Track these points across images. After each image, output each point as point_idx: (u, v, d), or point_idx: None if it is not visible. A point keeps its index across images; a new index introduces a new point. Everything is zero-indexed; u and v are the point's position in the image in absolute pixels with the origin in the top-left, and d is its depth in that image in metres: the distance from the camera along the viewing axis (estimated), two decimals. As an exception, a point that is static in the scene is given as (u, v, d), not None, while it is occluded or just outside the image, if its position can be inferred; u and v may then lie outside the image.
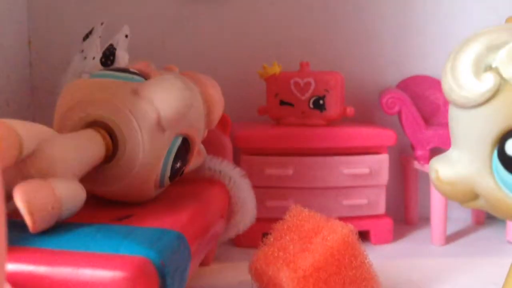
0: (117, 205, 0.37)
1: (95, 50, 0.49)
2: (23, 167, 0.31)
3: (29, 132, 0.31)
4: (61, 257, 0.28)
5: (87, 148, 0.33)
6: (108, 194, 0.37)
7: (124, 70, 0.39)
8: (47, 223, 0.30)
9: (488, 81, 0.28)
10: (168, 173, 0.37)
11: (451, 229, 0.58)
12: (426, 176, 0.57)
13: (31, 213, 0.28)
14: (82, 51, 0.51)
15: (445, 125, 0.55)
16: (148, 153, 0.35)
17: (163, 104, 0.35)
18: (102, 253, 0.28)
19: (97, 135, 0.35)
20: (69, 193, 0.31)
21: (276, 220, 0.39)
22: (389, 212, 0.55)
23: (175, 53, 0.61)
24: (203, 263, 0.46)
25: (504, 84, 0.28)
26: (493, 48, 0.29)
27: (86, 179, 0.34)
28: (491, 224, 0.61)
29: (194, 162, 0.43)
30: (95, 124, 0.35)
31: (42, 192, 0.29)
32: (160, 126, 0.35)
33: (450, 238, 0.56)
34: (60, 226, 0.31)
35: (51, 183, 0.30)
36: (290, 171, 0.52)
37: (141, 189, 0.37)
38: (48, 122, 0.36)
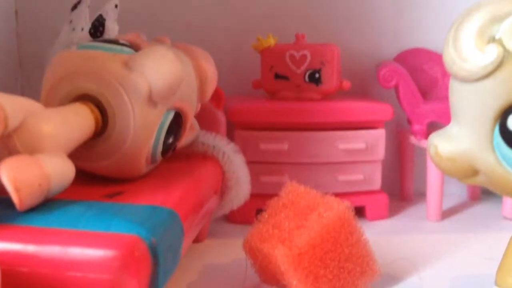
0: (108, 181, 0.36)
1: (84, 20, 0.48)
2: (9, 143, 0.30)
3: (14, 105, 0.30)
4: (50, 236, 0.27)
5: (76, 122, 0.32)
6: (98, 170, 0.36)
7: (114, 42, 0.38)
8: (35, 200, 0.29)
9: (491, 53, 0.27)
10: (160, 148, 0.36)
11: (447, 204, 0.58)
12: (422, 152, 0.57)
13: (18, 190, 0.27)
14: (71, 21, 0.49)
15: (443, 99, 0.54)
16: (139, 128, 0.34)
17: (155, 77, 0.33)
18: (92, 231, 0.27)
19: (86, 109, 0.33)
20: (58, 170, 0.30)
21: (271, 196, 0.38)
22: (384, 187, 0.55)
23: (166, 24, 0.59)
24: (197, 240, 0.45)
25: (507, 57, 0.27)
26: (497, 19, 0.28)
27: (76, 155, 0.33)
28: (487, 200, 0.61)
29: (186, 137, 0.42)
30: (84, 98, 0.34)
31: (30, 168, 0.28)
32: (151, 99, 0.34)
33: (446, 214, 0.56)
34: (49, 204, 0.30)
35: (38, 159, 0.29)
36: (285, 146, 0.51)
37: (132, 165, 0.36)
38: (36, 96, 0.35)
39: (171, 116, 0.36)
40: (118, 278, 0.26)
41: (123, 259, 0.26)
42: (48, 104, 0.35)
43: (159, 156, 0.37)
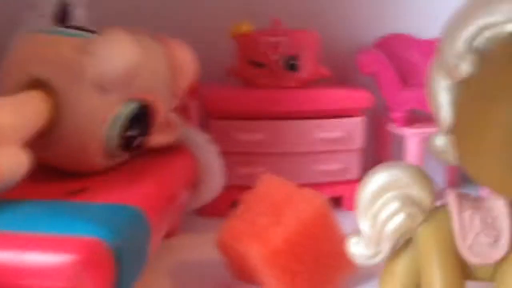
0: (71, 178, 0.34)
1: (48, 7, 0.45)
2: None
3: None
4: (3, 240, 0.25)
5: (29, 111, 0.31)
6: (51, 160, 0.34)
7: (80, 28, 0.36)
8: None
9: None
10: (116, 141, 0.34)
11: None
12: (400, 139, 0.56)
13: None
14: (35, 7, 0.47)
15: (422, 86, 0.53)
16: (85, 115, 0.32)
17: (105, 61, 0.31)
18: (49, 234, 0.25)
19: (40, 96, 0.32)
20: (11, 161, 0.28)
21: (247, 187, 0.37)
22: (362, 176, 0.54)
23: (136, 9, 0.57)
24: (168, 234, 0.43)
25: None
26: None
27: (30, 143, 0.31)
28: (465, 187, 0.60)
29: (166, 135, 0.40)
30: (37, 83, 0.32)
31: None
32: (102, 86, 0.32)
33: (425, 203, 0.55)
34: (4, 204, 0.28)
35: None
36: (261, 136, 0.50)
37: (83, 155, 0.34)
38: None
39: (132, 107, 0.34)
40: (77, 286, 0.24)
41: (83, 264, 0.24)
42: (4, 89, 0.33)
43: (116, 150, 0.35)
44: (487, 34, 0.25)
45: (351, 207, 0.53)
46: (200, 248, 0.42)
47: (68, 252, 0.24)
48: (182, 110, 0.44)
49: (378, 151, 0.60)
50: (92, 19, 0.45)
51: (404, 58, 0.57)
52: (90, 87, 0.32)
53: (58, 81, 0.32)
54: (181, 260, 0.41)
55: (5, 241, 0.25)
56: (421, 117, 0.55)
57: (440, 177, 0.61)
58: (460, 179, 0.61)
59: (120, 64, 0.32)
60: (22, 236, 0.25)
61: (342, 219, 0.37)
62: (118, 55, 0.32)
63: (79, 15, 0.45)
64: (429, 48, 0.56)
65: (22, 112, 0.30)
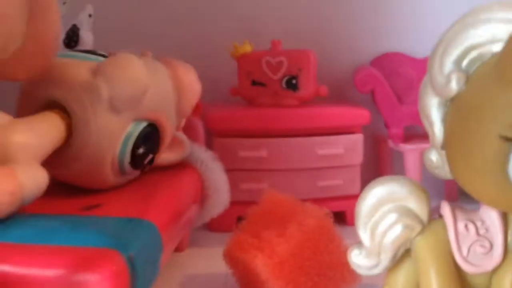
0: (86, 194, 0.35)
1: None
2: None
3: None
4: (24, 252, 0.26)
5: (47, 130, 0.32)
6: (66, 177, 0.36)
7: (91, 52, 0.38)
8: (9, 207, 0.29)
9: None
10: (128, 159, 0.36)
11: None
12: (400, 155, 0.57)
13: None
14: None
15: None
16: (100, 134, 0.34)
17: (116, 82, 0.33)
18: (68, 246, 0.27)
19: (56, 116, 0.33)
20: (30, 178, 0.30)
21: (251, 203, 0.38)
22: (364, 191, 0.55)
23: (142, 33, 0.59)
24: (178, 249, 0.45)
25: None
26: None
27: (46, 161, 0.33)
28: (464, 200, 0.61)
29: (174, 153, 0.42)
30: (54, 104, 0.34)
31: (2, 177, 0.28)
32: (114, 106, 0.34)
33: (424, 216, 0.56)
34: (25, 219, 0.30)
35: (11, 168, 0.29)
36: (264, 153, 0.51)
37: (97, 173, 0.35)
38: (6, 107, 0.35)
39: (142, 126, 0.36)
40: (96, 294, 0.25)
41: (100, 274, 0.25)
42: (21, 109, 0.35)
43: (128, 167, 0.36)
44: (474, 54, 0.27)
45: (353, 221, 0.54)
46: (209, 261, 0.43)
47: (87, 262, 0.26)
48: (189, 130, 0.45)
49: (379, 166, 0.61)
50: (98, 42, 0.47)
51: (401, 76, 0.59)
52: (103, 108, 0.33)
53: (74, 102, 0.34)
54: (190, 272, 0.42)
55: (27, 253, 0.26)
56: (418, 132, 0.56)
57: (440, 190, 0.62)
58: (460, 191, 0.62)
59: (130, 85, 0.34)
60: (41, 248, 0.27)
61: (346, 234, 0.38)
62: (128, 76, 0.34)
63: (87, 38, 0.47)
64: (424, 66, 0.58)
65: (41, 132, 0.32)
